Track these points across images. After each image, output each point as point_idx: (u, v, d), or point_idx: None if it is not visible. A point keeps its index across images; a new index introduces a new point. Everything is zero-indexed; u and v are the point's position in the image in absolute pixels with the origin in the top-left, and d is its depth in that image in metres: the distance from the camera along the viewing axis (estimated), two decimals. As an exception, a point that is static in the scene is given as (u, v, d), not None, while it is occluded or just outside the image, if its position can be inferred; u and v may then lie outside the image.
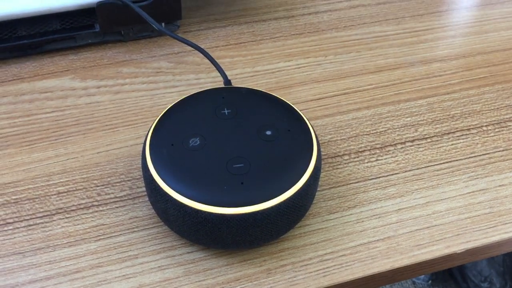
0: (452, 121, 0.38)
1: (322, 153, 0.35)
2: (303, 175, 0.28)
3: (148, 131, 0.30)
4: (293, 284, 0.29)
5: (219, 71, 0.36)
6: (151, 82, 0.40)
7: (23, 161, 0.34)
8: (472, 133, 0.37)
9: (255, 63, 0.42)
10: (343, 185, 0.33)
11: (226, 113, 0.31)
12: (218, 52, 0.42)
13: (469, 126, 0.37)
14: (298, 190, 0.28)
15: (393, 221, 0.32)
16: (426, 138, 0.37)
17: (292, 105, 0.32)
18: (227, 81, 0.36)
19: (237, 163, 0.28)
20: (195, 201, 0.27)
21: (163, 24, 0.42)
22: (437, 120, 0.38)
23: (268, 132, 0.30)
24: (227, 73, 0.40)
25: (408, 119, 0.38)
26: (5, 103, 0.38)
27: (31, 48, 0.41)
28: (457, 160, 0.35)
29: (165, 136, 0.30)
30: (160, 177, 0.28)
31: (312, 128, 0.31)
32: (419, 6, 0.48)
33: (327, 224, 0.31)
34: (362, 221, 0.32)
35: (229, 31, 0.44)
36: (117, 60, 0.41)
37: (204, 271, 0.29)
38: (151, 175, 0.28)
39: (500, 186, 0.34)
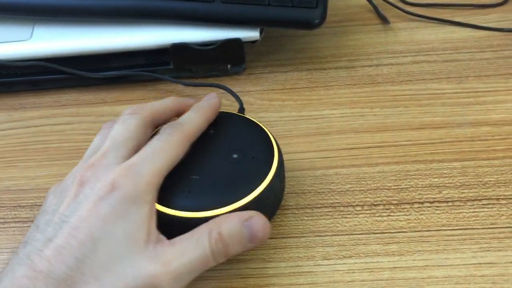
0: (483, 188, 0.37)
1: (336, 201, 0.37)
2: (243, 198, 0.31)
3: None
4: (268, 317, 0.31)
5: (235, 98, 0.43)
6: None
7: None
8: (501, 204, 0.36)
9: (302, 108, 0.44)
10: (346, 234, 0.35)
11: (211, 133, 0.35)
12: (272, 94, 0.46)
13: (499, 196, 0.36)
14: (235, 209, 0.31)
15: (384, 277, 0.32)
16: (448, 201, 0.36)
17: (272, 138, 0.35)
18: (241, 108, 0.41)
19: (195, 175, 0.32)
20: None
21: (229, 66, 0.48)
22: (467, 185, 0.37)
23: (235, 156, 0.33)
24: (274, 115, 0.44)
25: (436, 179, 0.38)
26: (86, 121, 0.45)
27: (119, 78, 0.49)
28: (473, 229, 0.34)
29: None
30: None
31: (279, 159, 0.33)
32: (489, 67, 0.46)
33: (318, 269, 0.33)
34: (353, 272, 0.33)
35: (289, 76, 0.48)
36: (185, 93, 0.47)
37: None
38: None
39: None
